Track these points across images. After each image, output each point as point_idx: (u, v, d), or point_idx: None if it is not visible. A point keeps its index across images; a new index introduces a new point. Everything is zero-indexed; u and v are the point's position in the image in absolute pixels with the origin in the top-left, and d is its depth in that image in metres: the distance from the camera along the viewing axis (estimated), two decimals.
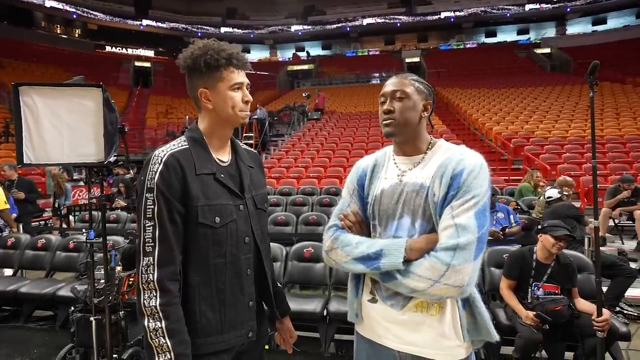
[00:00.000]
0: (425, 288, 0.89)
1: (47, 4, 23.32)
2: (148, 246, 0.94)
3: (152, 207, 0.95)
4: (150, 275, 0.93)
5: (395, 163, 1.11)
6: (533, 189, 5.18)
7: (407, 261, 0.93)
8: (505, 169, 7.89)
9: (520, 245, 3.21)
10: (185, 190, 0.97)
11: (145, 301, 0.93)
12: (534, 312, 2.17)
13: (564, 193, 3.79)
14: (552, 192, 3.80)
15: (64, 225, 5.53)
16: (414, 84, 1.07)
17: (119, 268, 2.24)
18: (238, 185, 1.08)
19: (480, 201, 0.92)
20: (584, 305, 2.27)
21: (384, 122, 1.06)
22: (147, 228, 0.95)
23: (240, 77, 1.06)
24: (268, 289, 1.14)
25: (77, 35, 25.60)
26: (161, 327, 0.91)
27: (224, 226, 1.02)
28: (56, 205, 5.50)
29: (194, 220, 0.98)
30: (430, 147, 1.08)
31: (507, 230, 3.55)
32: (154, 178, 0.95)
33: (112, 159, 1.73)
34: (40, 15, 23.85)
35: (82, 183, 7.35)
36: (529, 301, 2.28)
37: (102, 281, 2.03)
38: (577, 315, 2.21)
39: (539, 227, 2.44)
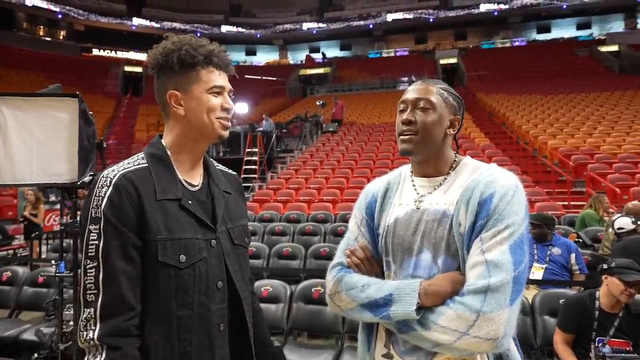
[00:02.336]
0: (451, 342, 0.86)
1: (29, 3, 24.94)
2: (90, 294, 0.87)
3: (96, 242, 0.88)
4: (91, 332, 0.85)
5: (413, 185, 1.10)
6: (600, 217, 5.03)
7: (425, 308, 0.91)
8: (564, 192, 7.69)
9: (582, 288, 3.09)
10: (142, 221, 0.91)
11: None
12: None
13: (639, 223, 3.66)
14: (624, 222, 3.67)
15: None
16: (442, 93, 1.07)
17: None
18: (210, 214, 1.03)
19: (516, 232, 0.90)
20: None
21: (402, 135, 1.06)
22: (89, 271, 0.88)
23: (220, 79, 1.03)
24: (249, 350, 1.06)
25: (61, 37, 27.18)
26: None
27: (191, 267, 0.94)
28: None
29: (152, 258, 0.91)
30: (454, 167, 1.08)
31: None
32: (101, 205, 0.89)
33: (87, 178, 1.80)
34: (22, 15, 25.50)
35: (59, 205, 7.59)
36: None
37: (72, 323, 2.06)
38: None
39: (605, 266, 2.36)
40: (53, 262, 2.20)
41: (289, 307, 3.10)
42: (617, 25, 26.28)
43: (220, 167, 1.18)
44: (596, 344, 2.21)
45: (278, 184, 8.70)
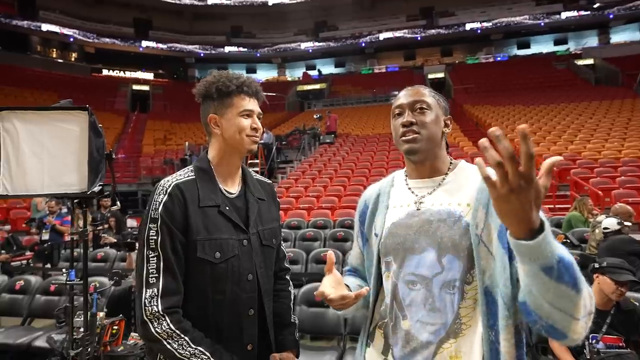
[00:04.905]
0: (580, 317, 0.72)
1: (44, 28, 25.05)
2: (152, 277, 1.02)
3: (155, 237, 1.04)
4: (155, 307, 1.00)
5: (409, 188, 1.07)
6: (585, 219, 5.00)
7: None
8: (549, 196, 7.67)
9: None
10: (186, 223, 1.06)
11: (157, 328, 0.99)
12: None
13: (626, 224, 3.62)
14: (610, 222, 3.63)
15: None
16: (433, 95, 1.06)
17: (101, 314, 2.21)
18: (243, 218, 1.15)
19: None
20: None
21: (405, 137, 1.01)
22: (151, 259, 1.03)
23: (250, 104, 1.17)
24: (268, 333, 1.18)
25: (73, 59, 27.22)
26: (186, 340, 1.00)
27: (225, 262, 1.09)
28: None
29: (193, 254, 1.06)
30: (451, 168, 1.06)
31: None
32: (158, 209, 1.05)
33: (96, 188, 1.75)
34: (37, 39, 25.58)
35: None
36: (588, 357, 2.13)
37: (82, 330, 2.00)
38: None
39: (596, 265, 2.32)
40: (64, 270, 2.14)
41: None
42: (592, 41, 26.61)
43: (258, 176, 1.31)
44: (590, 341, 2.16)
45: (279, 193, 8.64)
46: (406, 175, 1.10)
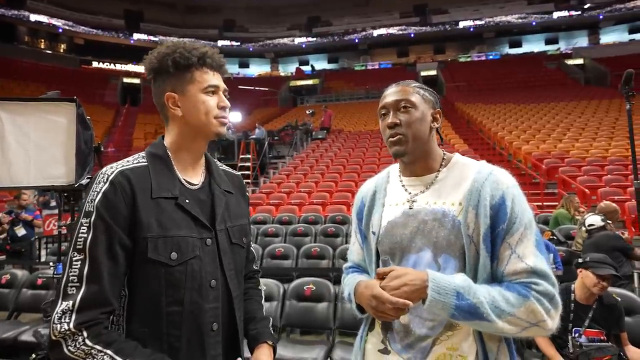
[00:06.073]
0: (517, 331, 0.87)
1: (32, 18, 24.54)
2: (71, 287, 0.81)
3: (85, 235, 0.83)
4: (65, 324, 0.79)
5: (403, 185, 1.07)
6: (571, 216, 5.07)
7: (482, 299, 0.86)
8: (537, 193, 7.78)
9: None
10: (133, 217, 0.86)
11: (69, 347, 0.78)
12: None
13: (609, 221, 3.69)
14: (594, 220, 3.70)
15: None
16: (418, 91, 1.04)
17: None
18: (208, 213, 0.97)
19: (534, 228, 0.92)
20: (635, 353, 2.16)
21: (391, 139, 1.01)
22: (75, 263, 0.83)
23: (215, 79, 1.00)
24: (237, 352, 1.00)
25: (62, 51, 26.72)
26: (109, 354, 0.79)
27: (183, 264, 0.89)
28: None
29: (142, 255, 0.87)
30: (443, 163, 1.04)
31: None
32: (95, 199, 0.85)
33: (84, 181, 1.73)
34: (24, 29, 25.05)
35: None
36: (571, 351, 2.17)
37: None
38: None
39: (580, 260, 2.37)
40: (51, 264, 2.12)
41: (282, 305, 3.05)
42: (582, 41, 26.92)
43: (224, 167, 1.14)
44: (573, 335, 2.21)
45: (270, 188, 8.63)
46: (400, 172, 1.10)
